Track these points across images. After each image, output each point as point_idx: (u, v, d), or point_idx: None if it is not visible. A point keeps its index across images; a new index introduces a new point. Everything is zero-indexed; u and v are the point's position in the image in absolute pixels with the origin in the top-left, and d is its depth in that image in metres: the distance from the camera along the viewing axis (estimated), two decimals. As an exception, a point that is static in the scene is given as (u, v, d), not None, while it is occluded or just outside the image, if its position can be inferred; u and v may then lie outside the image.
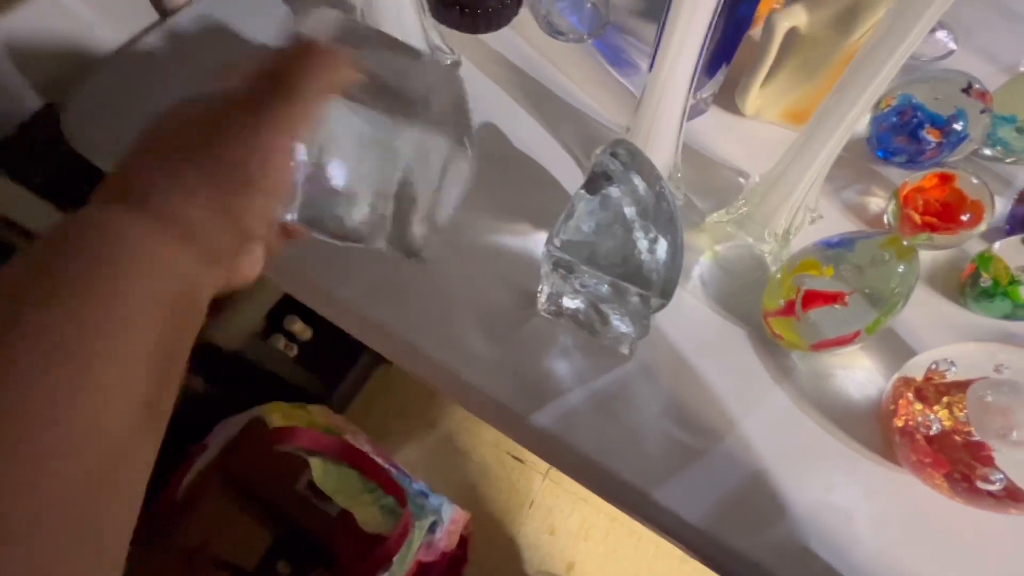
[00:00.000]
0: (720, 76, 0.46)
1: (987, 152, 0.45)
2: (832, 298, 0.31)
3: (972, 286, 0.38)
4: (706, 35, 0.32)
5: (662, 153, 0.40)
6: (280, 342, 1.05)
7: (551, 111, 0.49)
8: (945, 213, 0.39)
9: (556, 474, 1.07)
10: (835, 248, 0.32)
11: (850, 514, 0.33)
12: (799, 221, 0.40)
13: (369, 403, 1.13)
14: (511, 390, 0.36)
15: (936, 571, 0.31)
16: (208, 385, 0.73)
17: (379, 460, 0.79)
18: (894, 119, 0.43)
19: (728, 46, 0.43)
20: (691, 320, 0.39)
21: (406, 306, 0.39)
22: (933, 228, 0.39)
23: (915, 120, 0.43)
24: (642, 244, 0.35)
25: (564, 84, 0.51)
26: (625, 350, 0.38)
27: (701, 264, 0.42)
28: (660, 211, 0.34)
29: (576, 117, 0.49)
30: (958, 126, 0.41)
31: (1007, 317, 0.37)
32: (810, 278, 0.32)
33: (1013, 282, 0.36)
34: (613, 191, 0.36)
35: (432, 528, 0.74)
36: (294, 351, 1.07)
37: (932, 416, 0.30)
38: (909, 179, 0.40)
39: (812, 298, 0.32)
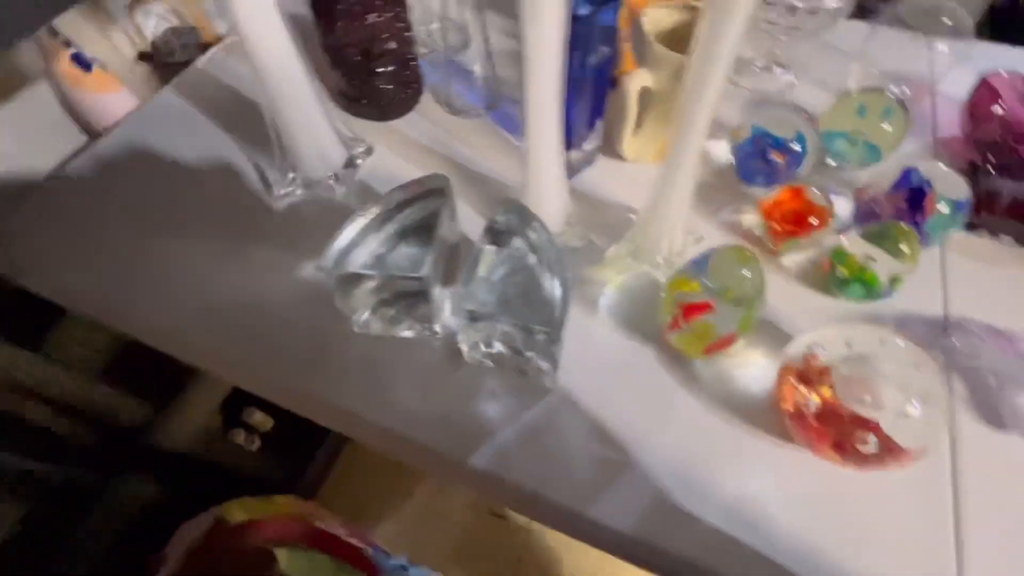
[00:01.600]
0: (598, 130, 0.52)
1: (831, 163, 0.53)
2: (703, 307, 0.36)
3: (832, 277, 0.43)
4: (559, 104, 0.38)
5: (552, 203, 0.45)
6: (240, 436, 1.04)
7: (460, 179, 0.54)
8: (798, 220, 0.45)
9: (539, 524, 1.07)
10: (697, 264, 0.37)
11: (764, 499, 0.36)
12: (681, 245, 0.46)
13: (341, 484, 1.11)
14: (446, 438, 0.39)
15: (843, 534, 0.35)
16: (163, 490, 0.72)
17: (353, 541, 0.77)
18: (750, 148, 0.50)
19: (598, 104, 0.50)
20: (603, 347, 0.43)
21: (340, 375, 0.42)
22: (793, 234, 0.45)
23: (766, 146, 0.50)
24: (546, 287, 0.39)
25: (468, 154, 0.57)
26: (548, 383, 0.41)
27: (606, 295, 0.46)
28: (552, 256, 0.38)
29: (482, 181, 0.54)
30: (796, 146, 0.48)
31: (865, 298, 0.43)
32: (683, 293, 0.36)
33: (862, 269, 0.41)
34: (516, 242, 0.41)
35: (413, 602, 0.72)
36: (256, 443, 1.05)
37: (810, 396, 0.35)
38: (767, 196, 0.47)
39: (688, 310, 0.36)
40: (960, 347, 0.38)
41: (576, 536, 0.38)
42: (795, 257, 0.47)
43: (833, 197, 0.50)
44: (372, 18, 0.51)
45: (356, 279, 0.38)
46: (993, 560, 0.34)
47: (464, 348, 0.41)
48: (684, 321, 0.37)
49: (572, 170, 0.54)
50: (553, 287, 0.38)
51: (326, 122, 0.50)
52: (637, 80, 0.46)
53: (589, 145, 0.53)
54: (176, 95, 0.64)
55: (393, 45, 0.54)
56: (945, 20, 0.53)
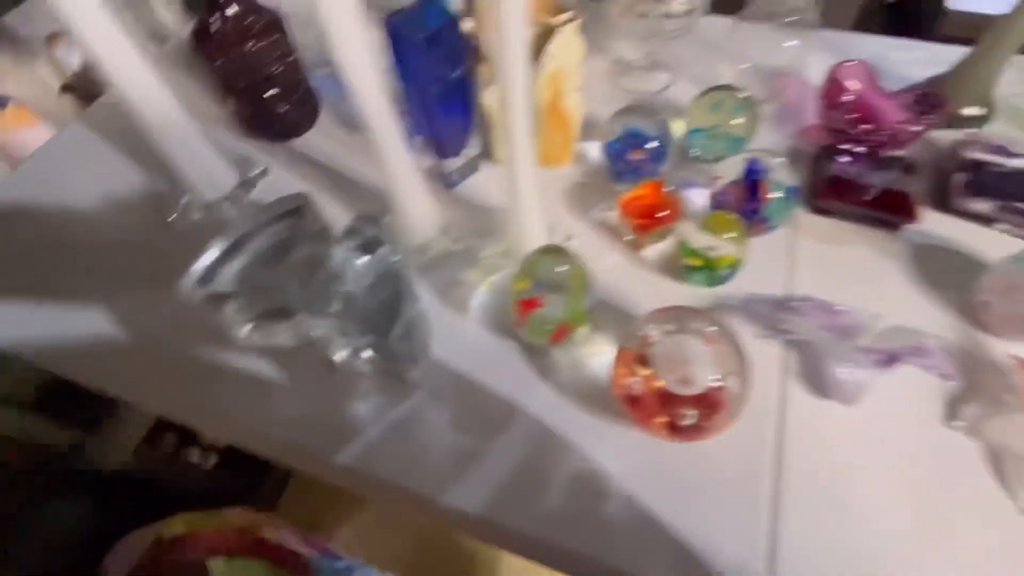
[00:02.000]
0: (475, 138, 0.55)
1: (698, 155, 0.56)
2: (534, 303, 0.38)
3: (682, 266, 0.47)
4: (392, 117, 0.41)
5: (418, 210, 0.48)
6: (194, 455, 1.06)
7: (353, 193, 0.56)
8: (651, 214, 0.48)
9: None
10: (526, 263, 0.40)
11: (605, 475, 0.39)
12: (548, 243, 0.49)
13: (300, 493, 1.13)
14: (316, 439, 0.42)
15: (674, 503, 0.38)
16: (99, 511, 0.74)
17: (299, 547, 0.80)
18: (618, 147, 0.53)
19: (467, 114, 0.53)
20: (472, 344, 0.46)
21: (226, 389, 0.45)
22: (646, 227, 0.48)
23: (630, 146, 0.53)
24: (404, 293, 0.42)
25: (361, 169, 0.59)
26: (414, 379, 0.44)
27: (478, 295, 0.49)
28: (399, 266, 0.41)
29: (375, 194, 0.57)
30: (653, 144, 0.51)
31: (710, 284, 0.46)
32: (518, 292, 0.39)
33: (703, 257, 0.45)
34: (382, 251, 0.44)
35: (352, 600, 0.75)
36: (212, 460, 1.08)
37: (637, 378, 0.38)
38: (626, 188, 0.50)
39: (524, 306, 0.39)
40: (786, 324, 0.41)
41: (436, 518, 0.41)
42: (656, 249, 0.50)
43: (694, 190, 0.53)
44: (251, 47, 0.54)
45: (220, 299, 0.41)
46: (804, 511, 0.37)
47: (335, 357, 0.44)
48: (523, 316, 0.40)
49: (455, 177, 0.56)
50: (405, 295, 0.41)
51: (209, 148, 0.52)
52: (490, 92, 0.48)
53: (470, 152, 0.56)
54: (86, 128, 0.66)
55: (278, 69, 0.57)
56: (794, 14, 0.56)
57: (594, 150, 0.57)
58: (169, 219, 0.55)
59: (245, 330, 0.44)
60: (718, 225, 0.44)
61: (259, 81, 0.57)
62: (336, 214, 0.55)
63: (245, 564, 0.71)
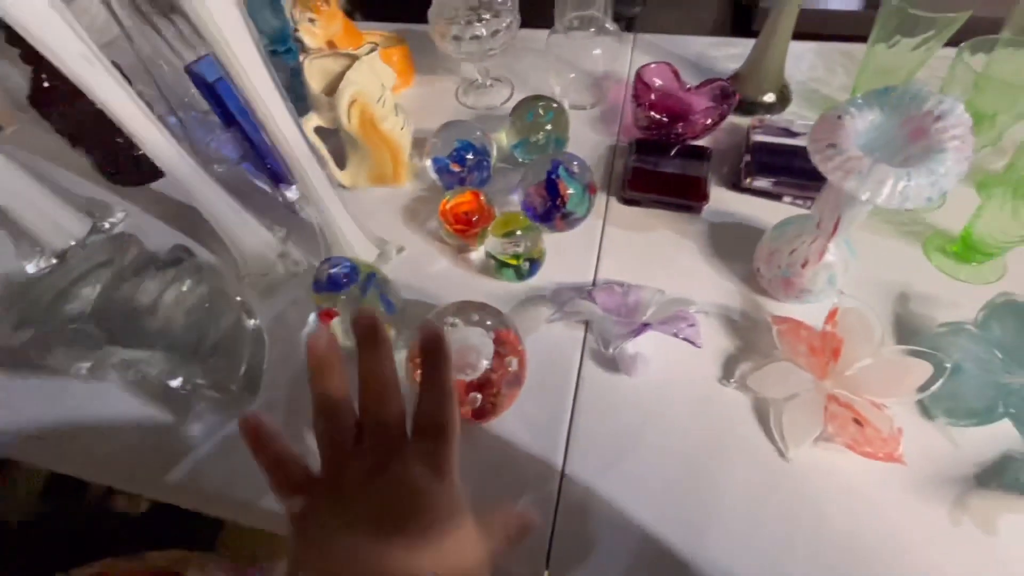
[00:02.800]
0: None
1: (521, 161, 0.60)
2: (329, 314, 0.42)
3: (492, 265, 0.50)
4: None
5: (250, 240, 0.51)
6: (121, 502, 1.06)
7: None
8: (466, 220, 0.52)
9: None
10: (315, 282, 0.43)
11: (414, 464, 0.42)
12: (379, 256, 0.52)
13: (237, 531, 1.13)
14: (151, 462, 0.44)
15: (474, 480, 0.41)
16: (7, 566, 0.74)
17: (219, 579, 0.80)
18: (443, 161, 0.57)
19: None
20: (304, 356, 0.49)
21: (67, 425, 0.47)
22: (462, 232, 0.52)
23: (457, 156, 0.57)
24: (226, 319, 0.45)
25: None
26: (246, 394, 0.47)
27: (316, 310, 0.52)
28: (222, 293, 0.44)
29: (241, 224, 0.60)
30: (470, 156, 0.55)
31: (518, 279, 0.50)
32: (317, 305, 0.43)
33: (505, 255, 0.48)
34: (195, 280, 0.46)
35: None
36: (143, 505, 1.07)
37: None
38: (448, 197, 0.53)
39: (323, 317, 0.42)
40: (573, 306, 0.45)
41: (266, 525, 0.43)
42: (479, 253, 0.54)
43: (514, 195, 0.57)
44: (87, 100, 0.57)
45: (46, 341, 0.43)
46: (588, 460, 0.40)
47: (171, 383, 0.46)
48: (326, 325, 0.43)
49: (299, 206, 0.60)
50: (227, 321, 0.44)
51: (52, 197, 0.55)
52: (309, 123, 0.52)
53: (295, 196, 0.59)
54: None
55: (123, 118, 0.60)
56: (593, 25, 0.61)
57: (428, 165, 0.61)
58: (27, 268, 0.58)
59: (81, 368, 0.47)
60: (507, 224, 0.48)
61: (107, 129, 0.60)
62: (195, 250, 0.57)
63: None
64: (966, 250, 0.48)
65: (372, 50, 0.51)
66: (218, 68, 0.46)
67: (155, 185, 0.66)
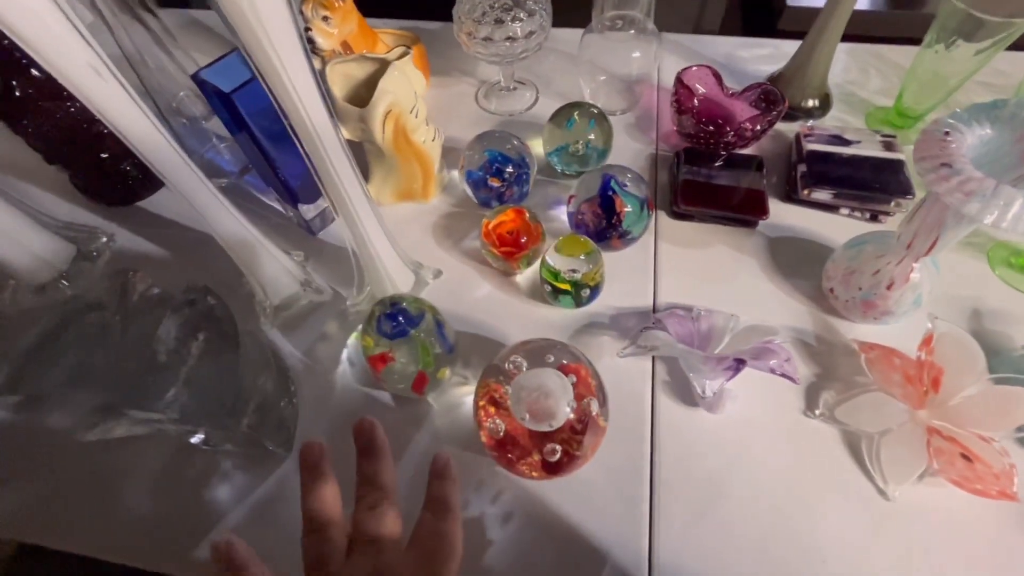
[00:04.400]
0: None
1: (563, 172, 0.56)
2: (383, 359, 0.37)
3: (547, 291, 0.46)
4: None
5: (275, 270, 0.45)
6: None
7: (210, 253, 0.53)
8: (514, 241, 0.47)
9: None
10: (368, 319, 0.38)
11: (482, 520, 0.38)
12: (410, 282, 0.47)
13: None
14: (172, 536, 0.38)
15: (558, 536, 0.37)
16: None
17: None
18: (480, 174, 0.52)
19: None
20: (342, 398, 0.44)
21: (68, 493, 0.40)
22: (509, 255, 0.47)
23: (495, 170, 0.52)
24: (255, 367, 0.39)
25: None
26: (281, 451, 0.41)
27: (348, 347, 0.47)
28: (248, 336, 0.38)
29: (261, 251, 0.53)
30: (510, 169, 0.51)
31: (575, 306, 0.46)
32: (366, 349, 0.37)
33: (564, 280, 0.44)
34: (219, 325, 0.40)
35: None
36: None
37: (497, 420, 0.36)
38: (489, 217, 0.49)
39: (375, 362, 0.37)
40: (647, 340, 0.42)
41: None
42: (526, 275, 0.50)
43: (559, 208, 0.53)
44: (69, 107, 0.49)
45: (37, 401, 0.36)
46: (678, 519, 0.37)
47: (192, 440, 0.40)
48: (378, 372, 0.38)
49: (316, 224, 0.54)
50: (256, 370, 0.38)
51: (28, 223, 0.48)
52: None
53: (311, 214, 0.53)
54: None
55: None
56: (633, 26, 0.57)
57: (458, 178, 0.56)
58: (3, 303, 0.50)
59: (85, 434, 0.40)
60: (570, 247, 0.43)
61: (87, 143, 0.53)
62: (189, 279, 0.51)
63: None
64: (1034, 263, 0.47)
65: (404, 54, 0.46)
66: (234, 75, 0.40)
67: (143, 204, 0.59)
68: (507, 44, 0.54)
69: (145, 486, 0.41)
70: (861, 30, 0.72)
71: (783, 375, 0.37)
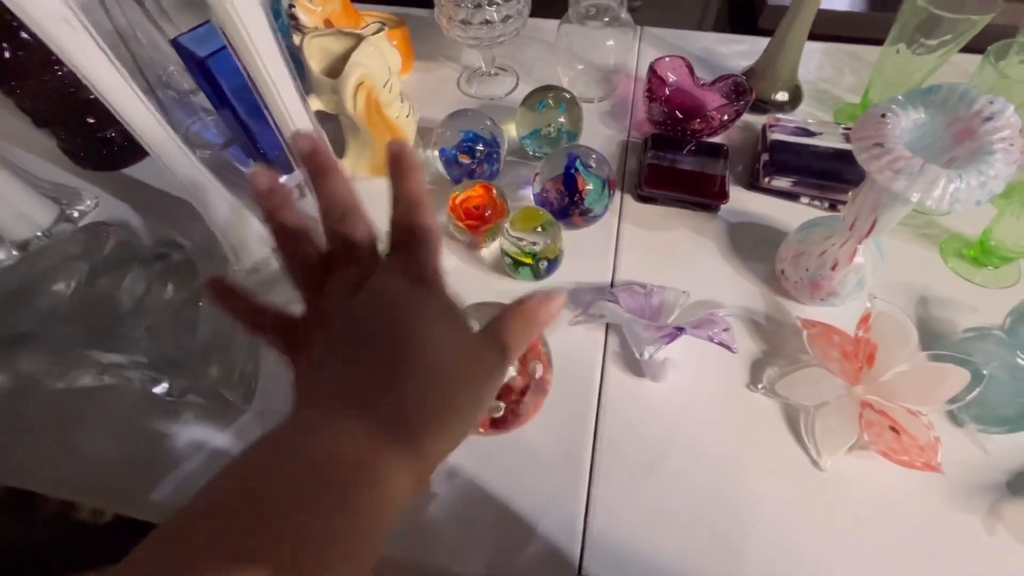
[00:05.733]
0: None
1: (535, 154, 0.58)
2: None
3: (508, 263, 0.48)
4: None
5: (248, 235, 0.47)
6: (83, 512, 0.99)
7: (192, 218, 0.54)
8: (478, 215, 0.49)
9: None
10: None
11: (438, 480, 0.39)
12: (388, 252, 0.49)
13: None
14: (130, 478, 0.40)
15: (501, 490, 0.38)
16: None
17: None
18: (453, 152, 0.54)
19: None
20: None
21: (34, 439, 0.42)
22: (473, 228, 0.49)
23: (466, 147, 0.54)
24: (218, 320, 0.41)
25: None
26: (241, 403, 0.43)
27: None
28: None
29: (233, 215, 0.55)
30: (480, 148, 0.52)
31: (535, 278, 0.48)
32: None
33: (523, 253, 0.46)
34: (187, 277, 0.42)
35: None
36: (107, 516, 1.01)
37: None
38: (457, 191, 0.50)
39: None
40: (598, 309, 0.43)
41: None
42: (491, 249, 0.51)
43: (527, 189, 0.55)
44: (58, 71, 0.51)
45: (8, 342, 0.38)
46: (616, 481, 0.38)
47: (155, 390, 0.42)
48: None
49: (297, 193, 0.55)
50: (221, 324, 0.39)
51: (15, 182, 0.49)
52: (309, 105, 0.48)
53: (292, 183, 0.55)
54: None
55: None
56: (608, 15, 0.59)
57: (434, 156, 0.58)
58: (-18, 261, 0.52)
59: (51, 376, 0.42)
60: (526, 220, 0.45)
61: (75, 107, 0.54)
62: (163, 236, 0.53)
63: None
64: (983, 254, 0.48)
65: (379, 30, 0.48)
66: (211, 42, 0.42)
67: (128, 170, 0.60)
68: (484, 28, 0.56)
69: (109, 433, 0.42)
70: (840, 31, 0.74)
71: (720, 343, 0.39)
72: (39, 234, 0.52)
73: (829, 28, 0.73)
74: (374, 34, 0.47)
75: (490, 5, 0.55)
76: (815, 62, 0.68)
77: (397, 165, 0.26)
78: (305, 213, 0.26)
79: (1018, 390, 0.38)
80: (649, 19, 0.81)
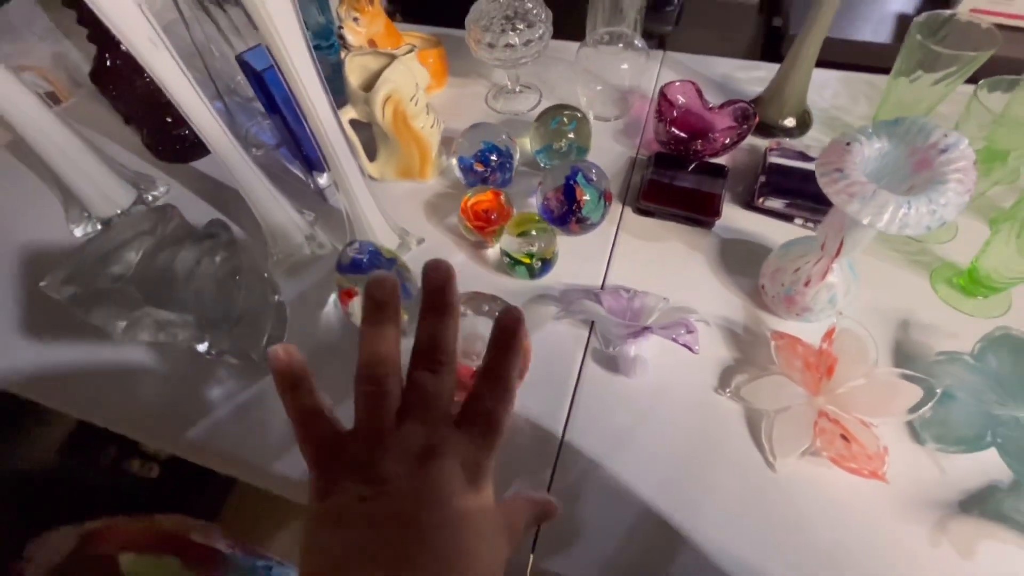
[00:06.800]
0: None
1: (543, 166, 0.63)
2: (349, 294, 0.44)
3: (507, 262, 0.53)
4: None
5: (284, 223, 0.54)
6: (135, 465, 1.10)
7: (242, 206, 0.63)
8: (486, 218, 0.54)
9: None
10: (338, 262, 0.46)
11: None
12: (400, 245, 0.55)
13: (239, 502, 1.17)
14: (172, 420, 0.47)
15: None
16: (16, 512, 0.78)
17: (222, 548, 0.84)
18: (470, 160, 0.60)
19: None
20: (323, 330, 0.52)
21: (98, 385, 0.50)
22: (480, 229, 0.54)
23: (482, 156, 0.59)
24: (253, 291, 0.48)
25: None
26: (265, 364, 0.49)
27: (335, 292, 0.55)
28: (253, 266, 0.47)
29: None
30: (494, 157, 0.58)
31: (530, 277, 0.52)
32: (338, 286, 0.45)
33: (519, 254, 0.51)
34: (230, 253, 0.49)
35: (264, 594, 0.79)
36: (154, 470, 1.12)
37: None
38: (469, 195, 0.56)
39: (343, 296, 0.45)
40: (576, 306, 0.47)
41: (271, 487, 0.46)
42: (495, 250, 0.57)
43: (533, 197, 0.60)
44: (147, 77, 0.61)
45: (88, 299, 0.46)
46: (581, 454, 0.42)
47: (198, 348, 0.50)
48: (346, 306, 0.46)
49: (329, 194, 0.63)
50: (254, 293, 0.47)
51: (103, 167, 0.59)
52: (345, 115, 0.55)
53: (326, 183, 0.62)
54: (10, 156, 0.73)
55: (174, 99, 0.64)
56: (622, 40, 0.64)
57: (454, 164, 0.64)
58: (75, 232, 0.62)
59: (118, 328, 0.50)
60: (523, 223, 0.50)
61: (157, 108, 0.64)
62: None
63: (155, 560, 0.75)
64: (972, 283, 0.49)
65: (410, 51, 0.54)
66: (268, 58, 0.49)
67: (196, 164, 0.70)
68: (507, 50, 0.62)
69: (159, 381, 0.50)
70: (859, 60, 0.75)
71: (684, 344, 0.42)
72: (119, 212, 0.61)
73: (852, 57, 0.75)
74: (405, 54, 0.54)
75: (513, 31, 0.61)
76: (831, 90, 0.70)
77: (507, 340, 0.25)
78: (323, 396, 0.26)
79: (979, 412, 0.40)
80: (682, 45, 0.85)
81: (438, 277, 0.25)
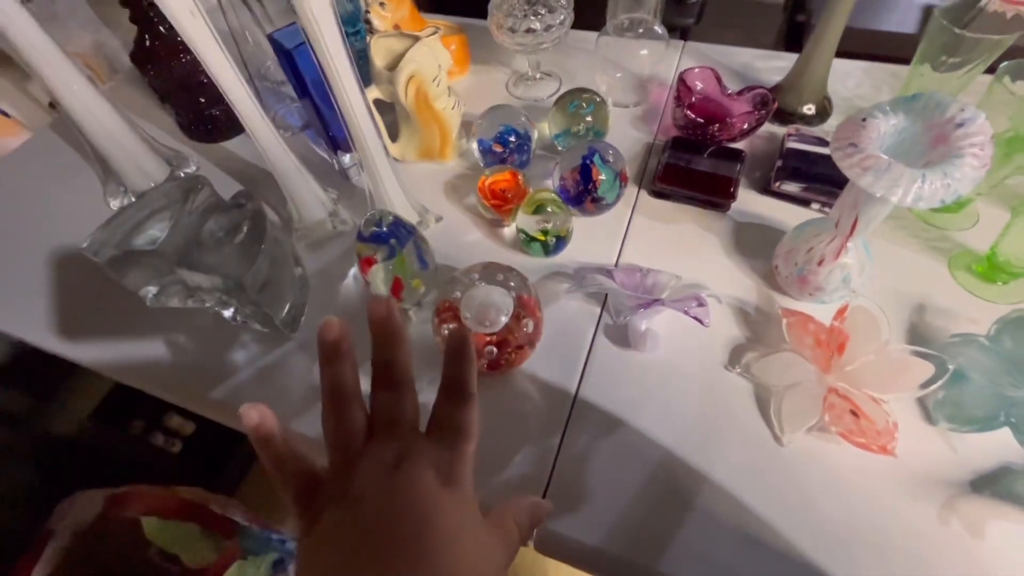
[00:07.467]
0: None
1: (561, 150, 0.64)
2: (369, 262, 0.46)
3: (522, 238, 0.54)
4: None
5: (308, 200, 0.56)
6: (159, 439, 1.14)
7: (268, 182, 0.65)
8: (503, 196, 0.55)
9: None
10: (361, 230, 0.47)
11: (425, 408, 0.46)
12: (419, 222, 0.57)
13: (257, 484, 1.20)
14: (195, 381, 0.49)
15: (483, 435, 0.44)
16: (46, 475, 0.82)
17: (238, 519, 0.86)
18: (489, 142, 0.61)
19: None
20: (343, 300, 0.54)
21: (133, 346, 0.53)
22: (497, 207, 0.55)
23: (501, 138, 0.61)
24: (275, 259, 0.50)
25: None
26: (288, 332, 0.51)
27: (355, 265, 0.57)
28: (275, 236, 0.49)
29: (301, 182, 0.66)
30: (513, 139, 0.59)
31: (545, 254, 0.53)
32: (359, 254, 0.47)
33: (536, 231, 0.52)
34: (255, 223, 0.51)
35: (277, 565, 0.81)
36: (177, 446, 1.16)
37: (450, 326, 0.44)
38: (487, 174, 0.57)
39: (363, 264, 0.47)
40: (589, 281, 0.48)
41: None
42: (512, 228, 0.58)
43: (549, 179, 0.61)
44: (183, 59, 0.64)
45: (123, 263, 0.49)
46: (590, 423, 0.43)
47: (225, 313, 0.52)
48: (365, 272, 0.47)
49: (352, 170, 0.65)
50: (277, 262, 0.49)
51: (140, 144, 0.62)
52: (369, 95, 0.57)
53: (350, 163, 0.64)
54: (53, 134, 0.77)
55: (208, 79, 0.67)
56: (641, 27, 0.64)
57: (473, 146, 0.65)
58: (112, 204, 0.65)
59: (149, 293, 0.53)
60: (538, 200, 0.51)
61: (192, 89, 0.67)
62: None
63: (177, 525, 0.77)
64: (991, 270, 0.49)
65: (433, 33, 0.56)
66: (299, 37, 0.51)
67: (225, 144, 0.73)
68: (529, 35, 0.63)
69: (187, 344, 0.52)
70: (891, 51, 0.75)
71: (694, 317, 0.43)
72: (152, 185, 0.64)
73: (878, 48, 0.74)
74: (429, 36, 0.55)
75: (535, 16, 0.62)
76: (855, 79, 0.70)
77: (457, 350, 0.27)
78: (297, 444, 0.26)
79: (993, 393, 0.39)
80: (706, 36, 0.85)
81: (379, 308, 0.26)
